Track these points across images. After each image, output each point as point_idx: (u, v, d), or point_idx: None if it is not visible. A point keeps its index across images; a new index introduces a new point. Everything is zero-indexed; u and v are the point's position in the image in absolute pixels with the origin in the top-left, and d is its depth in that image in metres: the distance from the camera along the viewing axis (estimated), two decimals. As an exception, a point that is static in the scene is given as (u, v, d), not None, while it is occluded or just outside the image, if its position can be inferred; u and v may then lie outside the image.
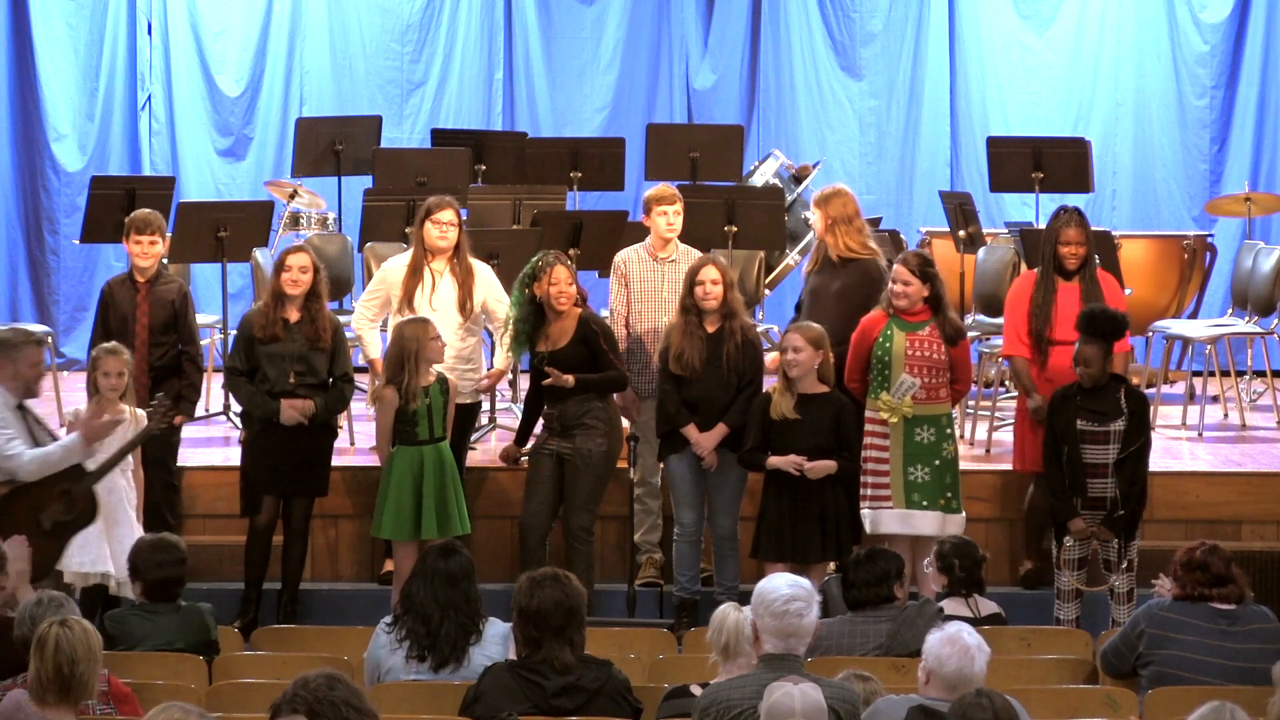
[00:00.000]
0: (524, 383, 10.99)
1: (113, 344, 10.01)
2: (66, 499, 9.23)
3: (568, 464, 10.27)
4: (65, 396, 12.16)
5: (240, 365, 10.37)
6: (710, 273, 10.17)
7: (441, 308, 10.59)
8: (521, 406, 11.01)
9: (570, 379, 10.16)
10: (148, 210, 10.92)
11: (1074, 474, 9.66)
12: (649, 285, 10.81)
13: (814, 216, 10.61)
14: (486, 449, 11.55)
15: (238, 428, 10.65)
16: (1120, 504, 9.65)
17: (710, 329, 10.17)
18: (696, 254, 10.73)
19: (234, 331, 12.43)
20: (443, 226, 10.69)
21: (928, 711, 6.15)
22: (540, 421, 10.47)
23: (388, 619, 7.61)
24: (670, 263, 10.76)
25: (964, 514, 10.05)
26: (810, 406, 9.89)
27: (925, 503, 9.96)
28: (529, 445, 10.55)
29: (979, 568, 8.73)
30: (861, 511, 9.99)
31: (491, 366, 11.01)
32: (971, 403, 12.16)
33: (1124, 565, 9.68)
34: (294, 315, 10.34)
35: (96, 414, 9.42)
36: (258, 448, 10.34)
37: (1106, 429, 9.67)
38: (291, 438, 10.27)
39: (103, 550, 9.63)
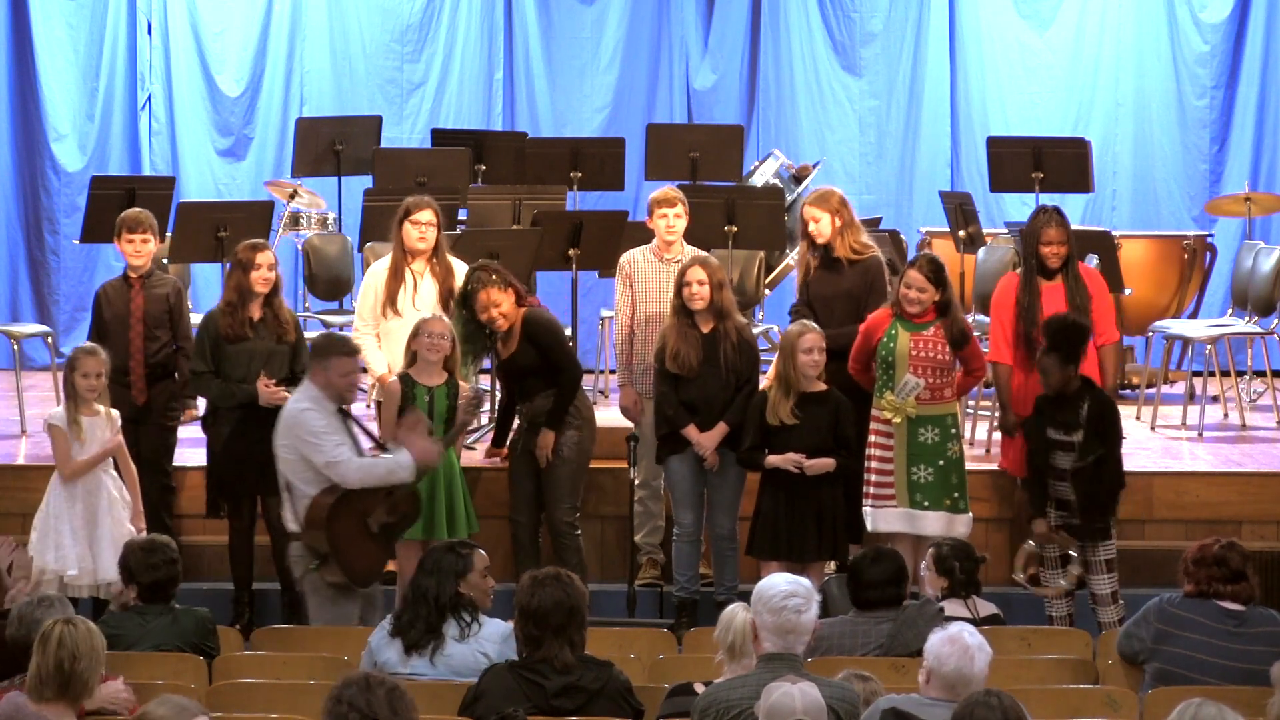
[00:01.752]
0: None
1: (90, 345, 10.04)
2: (389, 502, 9.24)
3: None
4: (65, 396, 12.16)
5: (205, 367, 10.33)
6: (696, 273, 10.18)
7: (424, 308, 10.61)
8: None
9: (550, 442, 10.24)
10: (138, 209, 10.92)
11: (1042, 477, 9.77)
12: (654, 285, 10.80)
13: (822, 220, 10.57)
14: (486, 449, 11.54)
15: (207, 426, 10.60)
16: (1078, 511, 9.71)
17: (704, 329, 10.18)
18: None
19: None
20: (421, 227, 10.70)
21: (899, 714, 6.15)
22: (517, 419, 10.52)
23: (387, 621, 7.64)
24: (676, 263, 10.74)
25: (971, 514, 10.07)
26: (808, 407, 9.90)
27: (928, 503, 9.97)
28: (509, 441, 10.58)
29: (977, 570, 8.74)
30: (864, 510, 10.01)
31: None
32: (971, 403, 12.17)
33: (1088, 570, 9.74)
34: (257, 313, 10.33)
35: (423, 431, 9.33)
36: (229, 451, 10.29)
37: (1072, 440, 9.74)
38: (261, 437, 10.23)
39: (74, 551, 9.67)
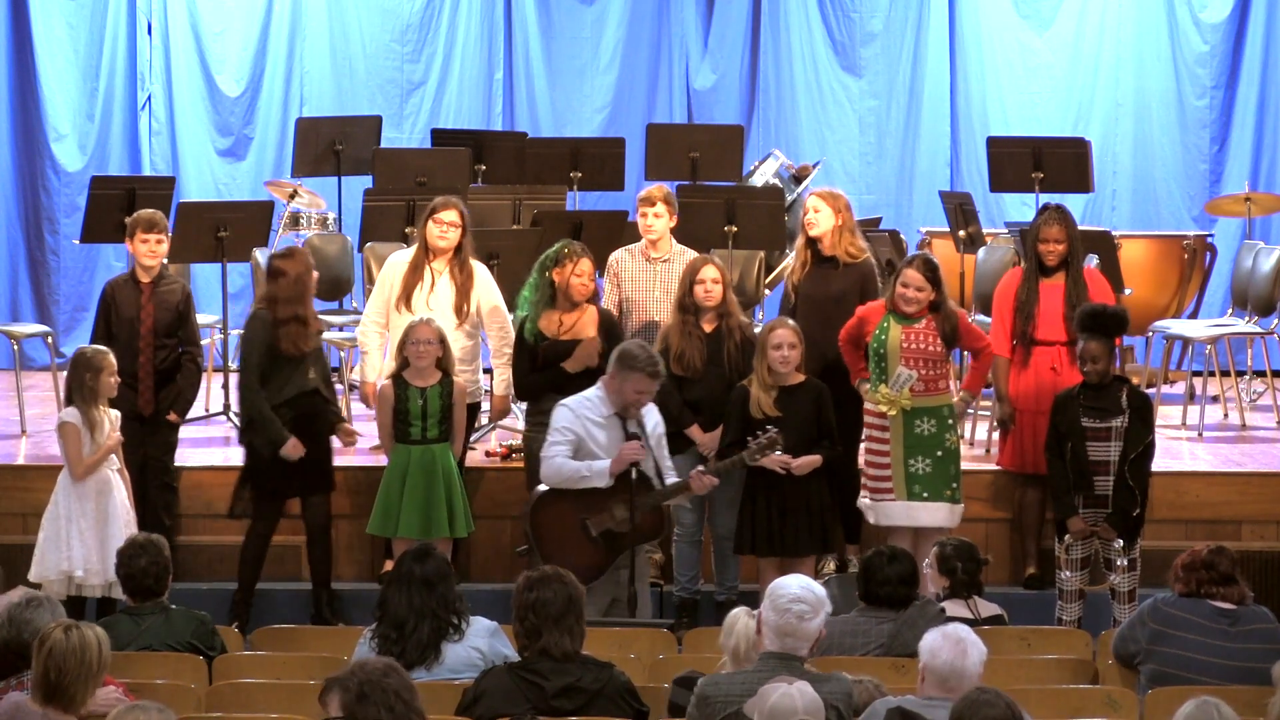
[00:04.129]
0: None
1: (103, 347, 9.99)
2: (627, 508, 9.23)
3: None
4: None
5: (259, 385, 10.25)
6: (710, 271, 10.22)
7: (438, 308, 10.61)
8: (523, 408, 10.96)
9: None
10: (152, 210, 10.90)
11: (1079, 471, 9.72)
12: (640, 284, 10.84)
13: (824, 211, 10.61)
14: (488, 449, 11.54)
15: (243, 432, 10.55)
16: (1134, 502, 9.70)
17: (707, 328, 10.20)
18: (691, 254, 10.77)
19: (224, 338, 12.44)
20: (443, 226, 10.70)
21: (905, 714, 6.16)
22: (524, 421, 10.45)
23: (370, 626, 7.62)
24: (663, 263, 10.79)
25: (963, 505, 10.10)
26: (789, 399, 9.92)
27: (927, 494, 10.01)
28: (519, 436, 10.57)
29: (980, 571, 8.73)
30: (863, 503, 10.04)
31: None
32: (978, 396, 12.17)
33: (1125, 565, 9.70)
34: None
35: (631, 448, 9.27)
36: (273, 455, 10.29)
37: (1109, 425, 9.73)
38: (309, 437, 10.29)
39: (80, 552, 9.66)
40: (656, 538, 9.53)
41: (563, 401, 9.42)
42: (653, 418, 9.48)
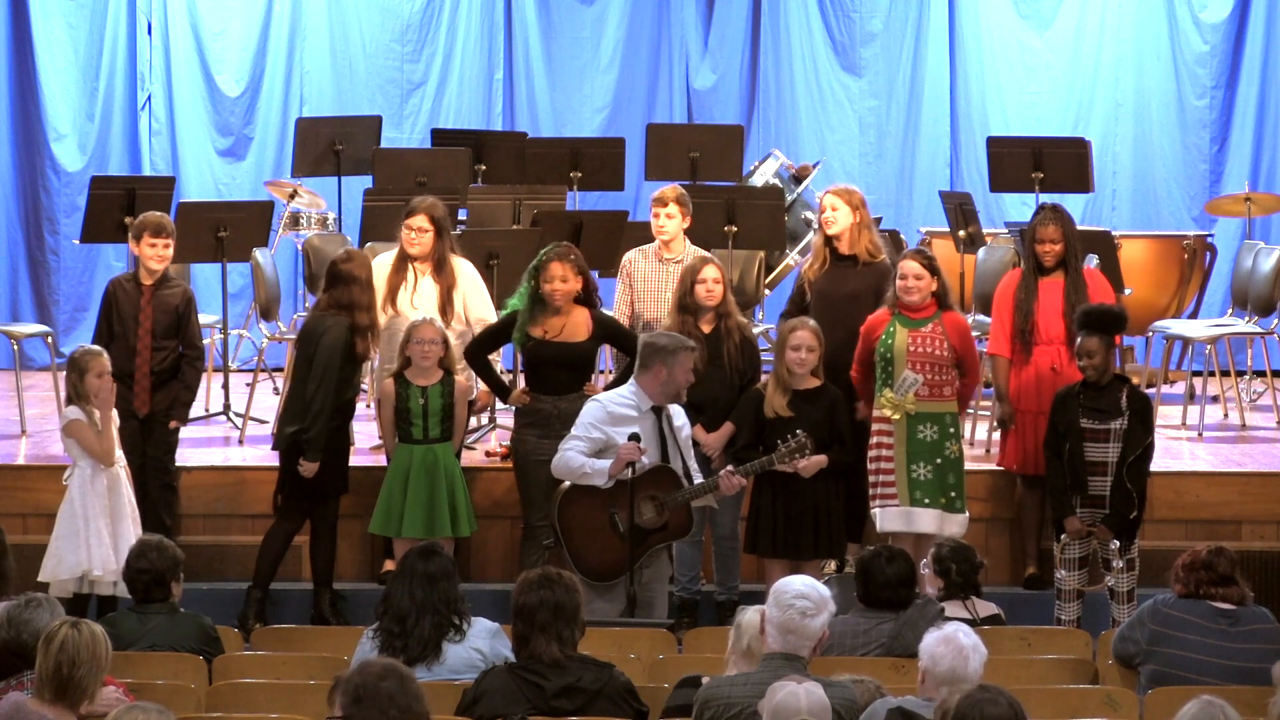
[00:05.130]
0: (521, 381, 10.97)
1: (95, 347, 9.99)
2: (656, 506, 9.20)
3: None
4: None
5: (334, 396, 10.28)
6: (711, 271, 10.22)
7: (422, 308, 10.62)
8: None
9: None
10: (159, 214, 10.86)
11: (1075, 472, 9.72)
12: (652, 286, 10.83)
13: (841, 210, 10.59)
14: (488, 449, 11.53)
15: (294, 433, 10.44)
16: (1131, 504, 9.69)
17: (706, 329, 10.18)
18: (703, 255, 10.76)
19: (224, 338, 12.42)
20: (411, 232, 10.70)
21: (905, 713, 6.16)
22: (514, 420, 10.45)
23: (374, 640, 7.62)
24: (676, 263, 10.77)
25: (967, 514, 10.07)
26: (804, 402, 9.91)
27: (927, 500, 9.99)
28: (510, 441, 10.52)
29: (976, 573, 8.72)
30: (872, 511, 10.04)
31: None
32: (971, 402, 12.17)
33: (1123, 565, 9.71)
34: None
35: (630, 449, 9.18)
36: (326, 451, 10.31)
37: (1107, 427, 9.72)
38: (342, 442, 10.39)
39: (99, 551, 9.64)
40: (684, 536, 9.50)
41: (596, 397, 9.41)
42: (680, 419, 9.45)
